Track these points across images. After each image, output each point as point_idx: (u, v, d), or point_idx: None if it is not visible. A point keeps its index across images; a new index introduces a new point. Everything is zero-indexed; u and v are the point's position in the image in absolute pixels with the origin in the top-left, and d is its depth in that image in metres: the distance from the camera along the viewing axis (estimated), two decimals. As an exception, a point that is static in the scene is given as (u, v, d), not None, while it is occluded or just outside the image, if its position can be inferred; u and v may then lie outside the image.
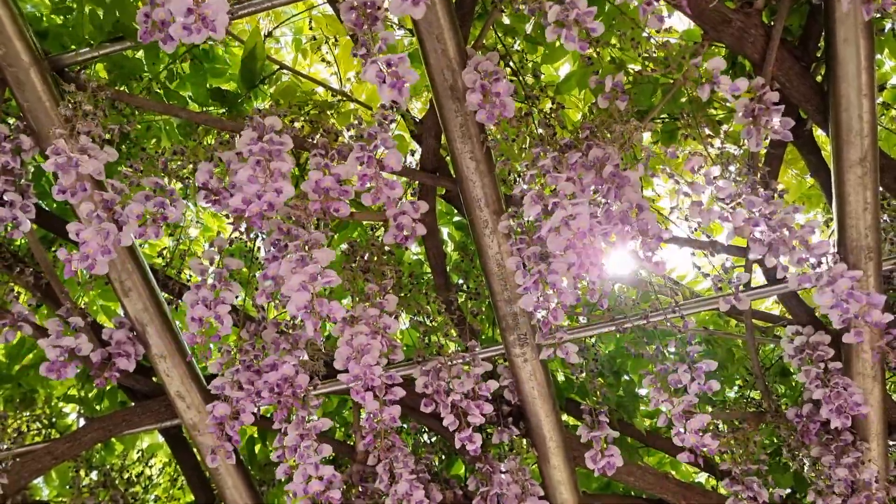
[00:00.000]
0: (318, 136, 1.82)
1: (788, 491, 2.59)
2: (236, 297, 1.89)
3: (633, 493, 2.75)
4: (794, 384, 2.75)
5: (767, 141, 1.94)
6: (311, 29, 2.33)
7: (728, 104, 2.17)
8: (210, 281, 1.79)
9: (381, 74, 1.48)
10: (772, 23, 1.82)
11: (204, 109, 2.28)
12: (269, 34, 2.42)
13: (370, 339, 1.75)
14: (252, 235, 2.04)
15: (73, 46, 2.15)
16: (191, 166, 1.84)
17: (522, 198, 1.66)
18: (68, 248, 1.70)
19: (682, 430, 1.92)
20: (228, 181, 1.69)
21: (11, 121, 1.99)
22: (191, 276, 2.40)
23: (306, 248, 1.56)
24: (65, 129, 1.63)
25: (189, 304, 1.76)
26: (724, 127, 1.98)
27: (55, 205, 2.47)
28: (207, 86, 2.28)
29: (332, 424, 1.90)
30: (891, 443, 2.30)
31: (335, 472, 1.85)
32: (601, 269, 1.62)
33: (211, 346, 1.78)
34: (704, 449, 1.96)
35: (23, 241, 2.38)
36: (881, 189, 2.01)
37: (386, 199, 1.61)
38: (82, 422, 2.66)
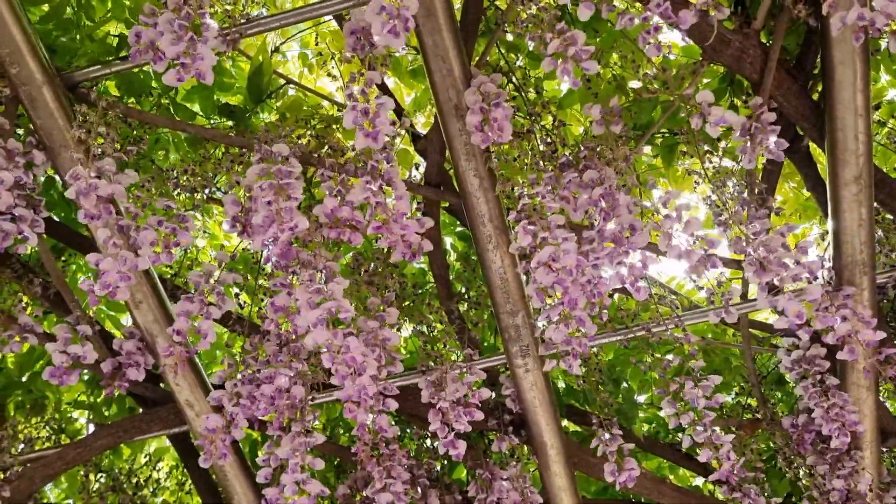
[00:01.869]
0: (323, 153, 1.86)
1: (784, 497, 2.64)
2: (239, 306, 1.94)
3: (631, 498, 2.80)
4: (790, 391, 2.79)
5: (764, 158, 1.98)
6: (317, 45, 2.37)
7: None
8: (201, 291, 1.83)
9: (358, 121, 1.53)
10: (769, 42, 1.86)
11: (211, 123, 2.32)
12: (277, 49, 2.46)
13: (366, 358, 1.79)
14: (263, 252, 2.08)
15: (82, 62, 2.19)
16: (200, 180, 1.89)
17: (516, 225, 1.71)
18: (82, 269, 1.75)
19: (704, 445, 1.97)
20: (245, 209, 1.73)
21: (20, 131, 2.03)
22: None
23: (320, 277, 1.61)
24: (80, 153, 1.67)
25: (176, 314, 1.81)
26: (722, 144, 2.01)
27: (63, 214, 2.51)
28: (215, 99, 2.31)
29: (324, 440, 1.95)
30: (883, 449, 2.35)
31: (323, 487, 1.91)
32: (598, 294, 1.67)
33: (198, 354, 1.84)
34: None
35: (33, 250, 2.42)
36: (876, 205, 2.05)
37: (400, 240, 1.66)
38: (91, 427, 2.71)
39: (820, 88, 1.91)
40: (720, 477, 2.03)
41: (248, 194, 1.68)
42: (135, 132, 2.15)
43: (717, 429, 2.00)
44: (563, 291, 1.65)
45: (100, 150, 1.72)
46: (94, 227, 1.74)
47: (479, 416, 1.98)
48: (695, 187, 1.92)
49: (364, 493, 2.36)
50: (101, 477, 2.65)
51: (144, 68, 2.30)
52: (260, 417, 2.26)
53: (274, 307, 1.69)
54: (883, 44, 2.11)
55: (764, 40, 1.91)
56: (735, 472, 1.98)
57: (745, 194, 1.95)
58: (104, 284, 1.64)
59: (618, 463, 2.04)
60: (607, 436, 2.07)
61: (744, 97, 1.89)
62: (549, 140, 1.90)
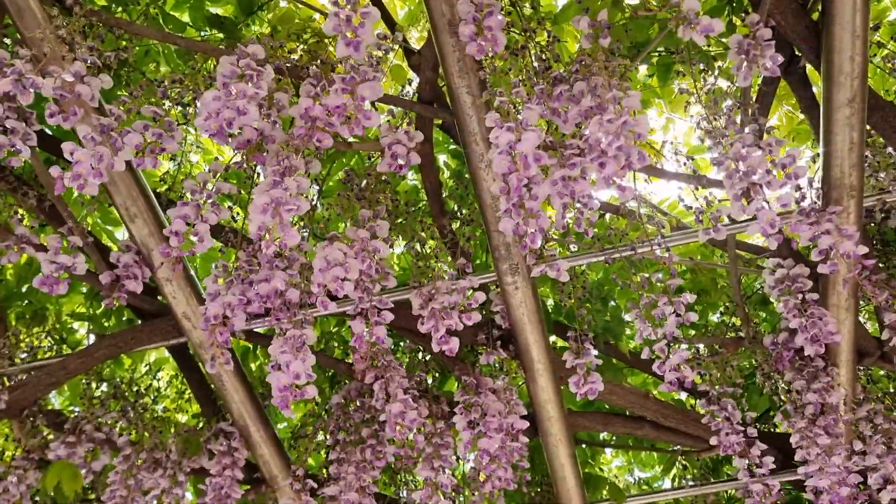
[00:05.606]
0: (312, 67, 1.84)
1: (762, 412, 2.74)
2: (232, 219, 1.94)
3: (615, 411, 2.91)
4: (773, 311, 2.86)
5: (760, 78, 1.96)
6: (308, -46, 2.30)
7: (723, 40, 2.17)
8: (196, 199, 1.83)
9: (339, 28, 1.50)
10: (771, -42, 1.82)
11: (202, 35, 2.28)
12: (267, -42, 2.39)
13: (348, 258, 1.80)
14: (252, 164, 2.08)
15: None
16: (191, 93, 1.88)
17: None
18: (63, 167, 1.73)
19: (663, 363, 2.01)
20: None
21: (8, 41, 1.99)
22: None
23: (281, 174, 1.60)
24: (58, 50, 1.65)
25: (172, 217, 1.81)
26: (719, 63, 2.00)
27: (55, 127, 2.50)
28: (205, 10, 2.26)
29: (316, 338, 1.95)
30: (860, 368, 2.43)
31: (311, 372, 1.89)
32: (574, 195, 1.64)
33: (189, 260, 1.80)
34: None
35: (27, 163, 2.42)
36: (868, 127, 2.05)
37: (362, 130, 1.65)
38: (92, 338, 2.78)
39: (820, 8, 1.88)
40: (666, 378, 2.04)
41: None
42: (123, 43, 2.12)
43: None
44: (522, 181, 1.61)
45: (77, 55, 1.69)
46: (67, 127, 1.72)
47: (477, 317, 2.01)
48: (687, 107, 1.92)
49: (356, 403, 2.46)
50: (103, 385, 2.74)
51: (132, -24, 2.25)
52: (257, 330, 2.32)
53: None
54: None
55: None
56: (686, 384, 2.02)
57: (738, 116, 1.95)
58: (75, 175, 1.62)
59: (584, 377, 2.10)
60: (579, 351, 2.13)
61: (742, 15, 1.86)
62: (543, 56, 1.87)
